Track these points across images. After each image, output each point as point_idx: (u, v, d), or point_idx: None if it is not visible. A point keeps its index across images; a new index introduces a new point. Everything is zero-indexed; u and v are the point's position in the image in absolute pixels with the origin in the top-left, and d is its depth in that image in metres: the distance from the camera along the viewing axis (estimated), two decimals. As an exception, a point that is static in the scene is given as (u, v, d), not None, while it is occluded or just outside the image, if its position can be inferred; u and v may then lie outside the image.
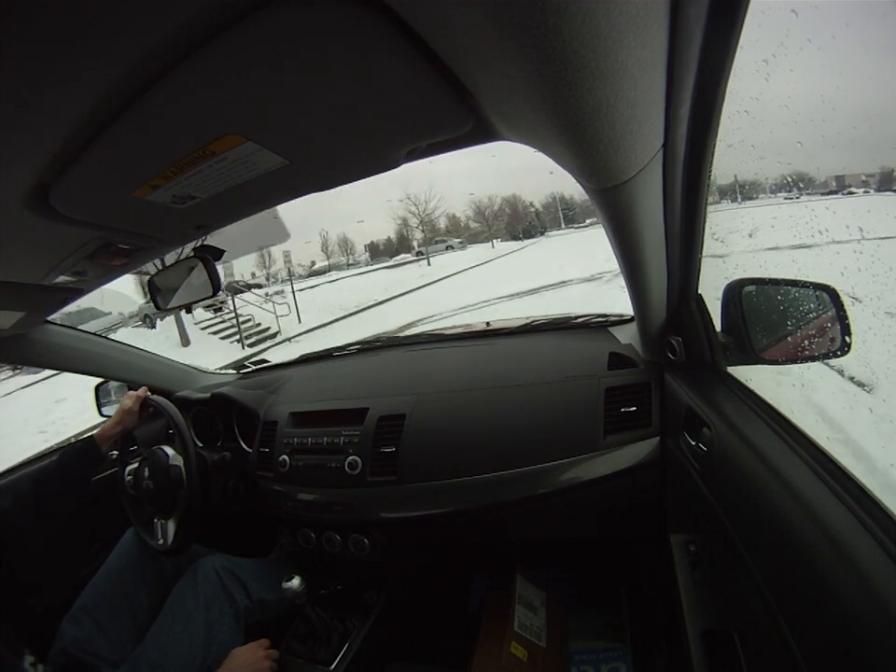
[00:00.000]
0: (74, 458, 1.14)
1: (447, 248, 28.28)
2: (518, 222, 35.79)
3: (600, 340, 1.19)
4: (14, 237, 0.62)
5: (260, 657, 1.02)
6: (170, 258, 0.92)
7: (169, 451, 1.15)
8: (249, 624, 1.10)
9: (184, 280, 0.89)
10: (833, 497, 0.50)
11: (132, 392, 1.26)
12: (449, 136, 0.53)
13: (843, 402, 1.94)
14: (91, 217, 0.60)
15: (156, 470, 1.13)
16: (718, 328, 0.86)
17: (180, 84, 0.38)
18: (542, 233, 34.09)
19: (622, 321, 1.25)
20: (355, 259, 38.37)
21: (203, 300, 0.91)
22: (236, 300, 11.06)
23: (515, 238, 32.16)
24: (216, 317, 11.26)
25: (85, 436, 1.24)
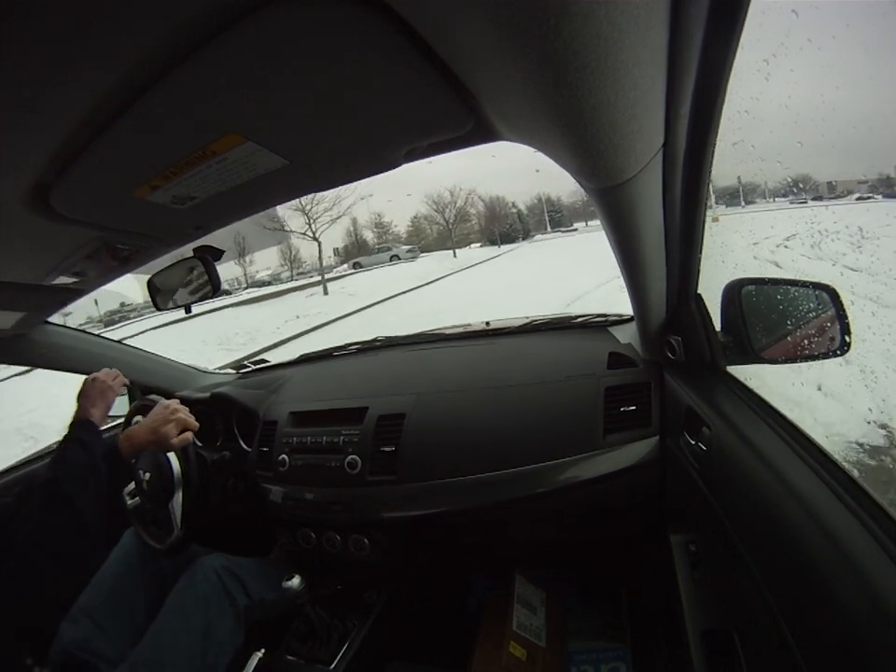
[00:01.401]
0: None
1: (392, 259, 22.38)
2: (496, 224, 30.93)
3: (600, 339, 1.19)
4: (14, 237, 0.62)
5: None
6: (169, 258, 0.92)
7: None
8: (249, 624, 1.10)
9: (184, 280, 0.90)
10: (832, 497, 0.50)
11: (178, 409, 1.03)
12: (449, 136, 0.53)
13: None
14: (91, 218, 0.60)
15: (154, 470, 1.12)
16: (717, 327, 0.86)
17: (180, 84, 0.38)
18: (525, 237, 31.48)
19: (621, 321, 1.25)
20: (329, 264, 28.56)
21: (203, 299, 0.91)
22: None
23: (493, 242, 28.70)
24: None
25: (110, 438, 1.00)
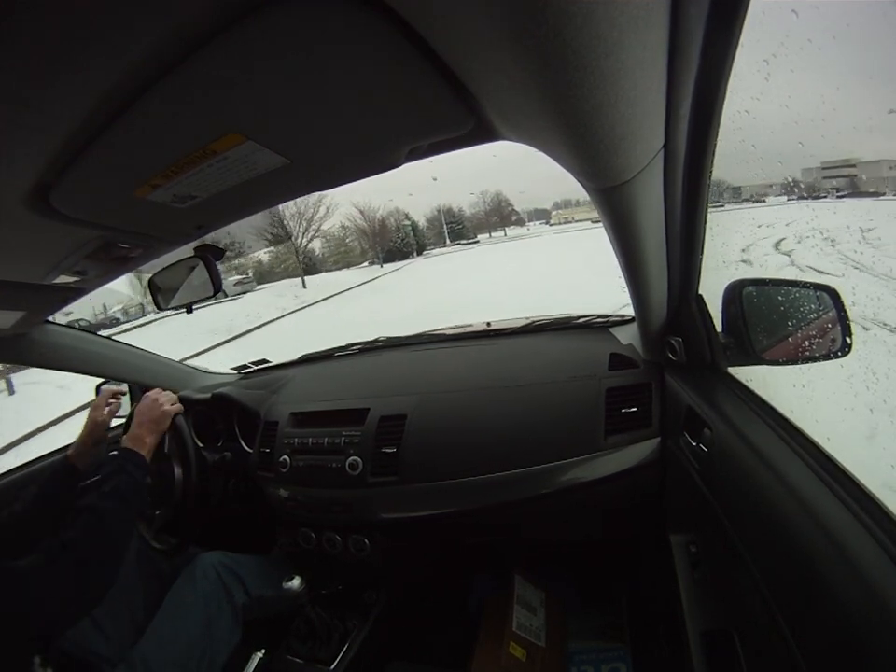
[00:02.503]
0: (49, 488, 1.01)
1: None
2: (379, 239, 25.87)
3: (601, 340, 1.19)
4: (15, 237, 0.62)
5: (159, 402, 1.04)
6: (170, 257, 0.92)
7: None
8: (248, 621, 1.10)
9: (184, 280, 0.90)
10: (832, 497, 0.50)
11: (99, 401, 1.11)
12: (450, 136, 0.53)
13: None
14: (91, 217, 0.61)
15: (155, 470, 1.12)
16: (718, 328, 0.86)
17: (180, 84, 0.38)
18: (420, 252, 27.71)
19: (622, 321, 1.25)
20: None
21: (204, 299, 0.91)
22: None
23: (386, 260, 24.66)
24: None
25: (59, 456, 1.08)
